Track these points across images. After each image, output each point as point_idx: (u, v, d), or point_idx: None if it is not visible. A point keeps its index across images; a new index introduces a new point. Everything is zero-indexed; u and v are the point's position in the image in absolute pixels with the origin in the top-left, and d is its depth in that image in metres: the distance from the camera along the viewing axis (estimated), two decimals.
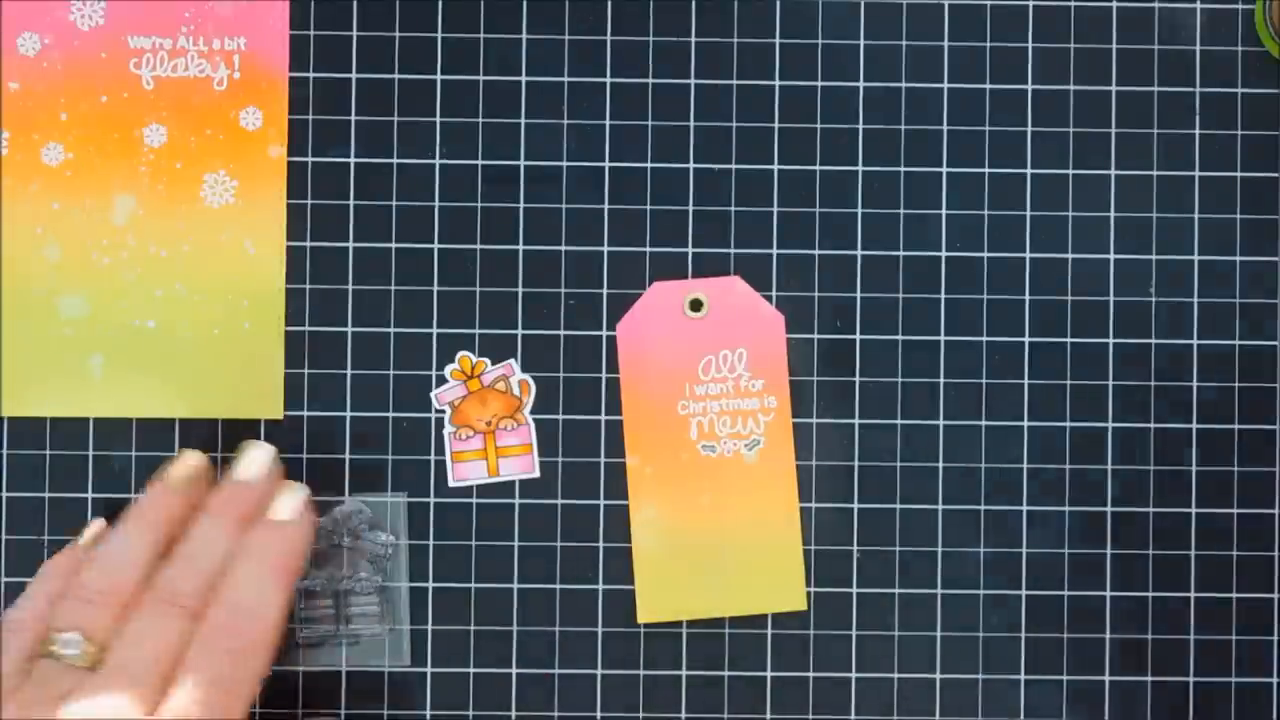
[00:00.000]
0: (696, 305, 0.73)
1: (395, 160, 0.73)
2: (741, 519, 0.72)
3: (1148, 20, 0.73)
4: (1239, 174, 0.73)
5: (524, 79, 0.73)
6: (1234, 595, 0.73)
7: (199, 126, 0.72)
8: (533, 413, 0.73)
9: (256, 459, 0.68)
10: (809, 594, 0.73)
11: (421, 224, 0.73)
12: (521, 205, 0.73)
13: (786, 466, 0.72)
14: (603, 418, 0.73)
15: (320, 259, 0.73)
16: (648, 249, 0.73)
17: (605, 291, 0.73)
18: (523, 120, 0.73)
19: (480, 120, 0.73)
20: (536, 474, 0.73)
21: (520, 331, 0.73)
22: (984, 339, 0.73)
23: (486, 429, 0.73)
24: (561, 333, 0.73)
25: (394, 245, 0.73)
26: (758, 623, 0.72)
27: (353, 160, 0.73)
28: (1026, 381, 0.73)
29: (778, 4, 0.73)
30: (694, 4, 0.73)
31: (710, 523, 0.72)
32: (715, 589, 0.72)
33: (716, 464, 0.72)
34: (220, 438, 0.72)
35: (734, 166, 0.73)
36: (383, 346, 0.73)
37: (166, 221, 0.72)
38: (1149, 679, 0.73)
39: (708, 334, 0.72)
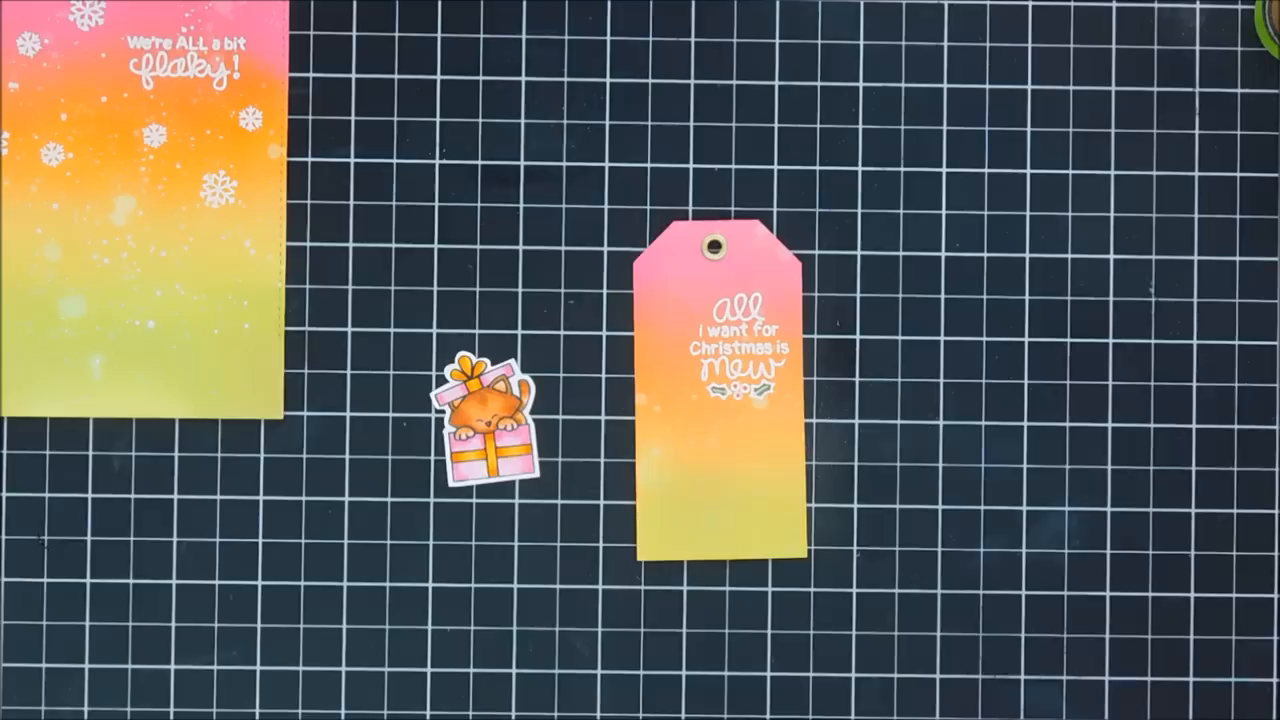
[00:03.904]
0: (715, 246, 0.73)
1: (395, 160, 0.73)
2: (747, 463, 0.72)
3: (1147, 20, 0.73)
4: (1239, 174, 0.73)
5: (524, 79, 0.73)
6: (1234, 595, 0.73)
7: (199, 126, 0.72)
8: (533, 413, 0.73)
9: None
10: (809, 594, 0.73)
11: (421, 224, 0.73)
12: (521, 205, 0.73)
13: (795, 413, 0.72)
14: (603, 418, 0.73)
15: (320, 259, 0.73)
16: (648, 248, 0.73)
17: (605, 291, 0.73)
18: (523, 120, 0.73)
19: (480, 120, 0.73)
20: (536, 474, 0.73)
21: (520, 331, 0.73)
22: (984, 339, 0.73)
23: (486, 429, 0.73)
24: (561, 333, 0.73)
25: (394, 245, 0.73)
26: (758, 623, 0.72)
27: (353, 160, 0.73)
28: (1026, 381, 0.73)
29: (777, 4, 0.73)
30: (694, 4, 0.73)
31: (716, 464, 0.72)
32: (717, 531, 0.72)
33: (725, 406, 0.72)
34: (220, 438, 0.72)
35: (734, 166, 0.73)
36: (383, 346, 0.73)
37: (166, 221, 0.72)
38: (1149, 679, 0.72)
39: (724, 276, 0.72)
